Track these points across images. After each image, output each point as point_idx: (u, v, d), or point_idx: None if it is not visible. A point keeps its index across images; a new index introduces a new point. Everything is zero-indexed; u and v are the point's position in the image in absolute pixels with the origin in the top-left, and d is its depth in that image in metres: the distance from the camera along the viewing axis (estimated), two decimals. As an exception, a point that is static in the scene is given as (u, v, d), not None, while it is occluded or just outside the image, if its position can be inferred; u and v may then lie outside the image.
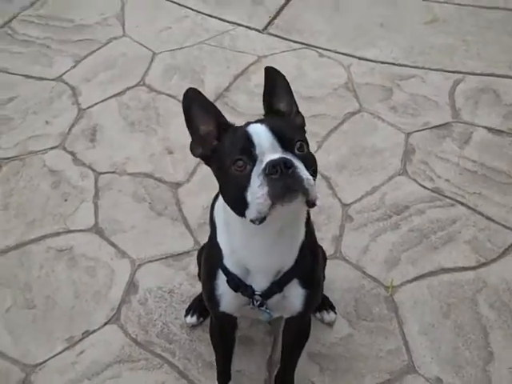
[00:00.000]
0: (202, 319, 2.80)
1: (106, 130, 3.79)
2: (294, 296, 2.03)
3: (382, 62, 4.25)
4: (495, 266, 3.01)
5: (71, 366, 2.71)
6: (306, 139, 1.81)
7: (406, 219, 3.23)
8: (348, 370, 2.67)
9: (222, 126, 1.81)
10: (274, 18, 4.67)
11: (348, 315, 2.85)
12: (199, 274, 2.69)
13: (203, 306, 2.45)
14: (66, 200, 3.37)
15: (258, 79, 4.08)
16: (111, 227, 3.24)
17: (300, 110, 1.92)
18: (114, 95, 4.03)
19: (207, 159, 1.85)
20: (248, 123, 1.75)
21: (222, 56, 4.33)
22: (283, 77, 1.86)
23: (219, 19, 4.69)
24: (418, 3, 4.78)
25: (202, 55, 4.34)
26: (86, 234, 3.21)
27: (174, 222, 3.25)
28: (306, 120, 1.92)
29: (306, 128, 1.91)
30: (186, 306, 2.85)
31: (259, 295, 1.99)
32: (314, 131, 3.59)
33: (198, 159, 1.88)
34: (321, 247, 2.53)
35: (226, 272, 1.99)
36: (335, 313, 2.82)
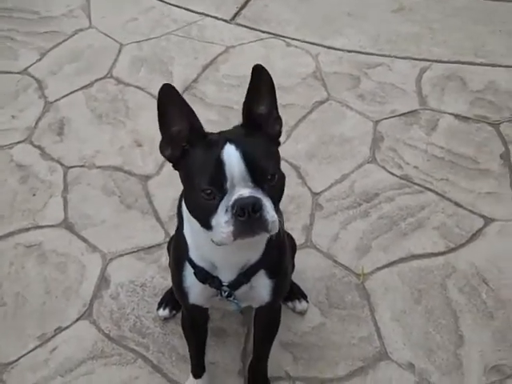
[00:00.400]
0: (174, 312, 2.79)
1: (73, 123, 3.75)
2: (262, 286, 2.05)
3: (350, 51, 4.26)
4: (464, 250, 3.05)
5: (44, 363, 2.69)
6: (278, 161, 1.83)
7: (375, 207, 3.25)
8: (321, 358, 2.68)
9: (195, 129, 1.77)
10: (242, 8, 4.66)
11: (320, 304, 2.87)
12: (170, 264, 2.68)
13: (175, 299, 2.44)
14: (34, 195, 3.34)
15: (227, 70, 4.08)
16: (81, 222, 3.21)
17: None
18: (82, 88, 3.99)
19: (175, 161, 1.82)
20: (223, 139, 1.70)
21: (190, 47, 4.30)
22: (270, 77, 1.79)
23: (186, 9, 4.66)
24: (385, -9, 4.80)
25: (170, 46, 4.31)
26: (55, 230, 3.18)
27: (145, 215, 3.24)
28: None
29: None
30: (159, 300, 2.85)
31: (227, 286, 2.00)
32: (282, 121, 3.57)
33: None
34: (289, 235, 2.55)
35: (193, 264, 1.99)
36: (307, 302, 2.83)
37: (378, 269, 2.99)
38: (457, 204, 3.25)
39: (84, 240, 3.13)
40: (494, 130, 3.63)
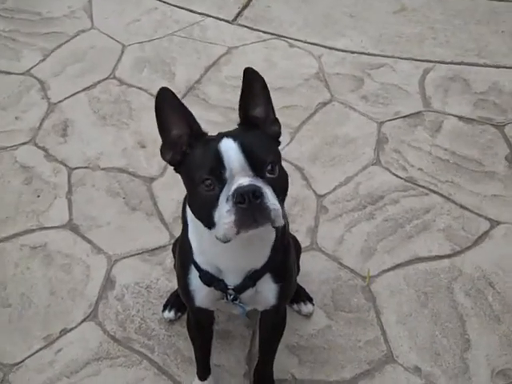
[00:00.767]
0: (179, 314, 2.79)
1: (77, 124, 3.74)
2: (267, 290, 2.04)
3: (352, 52, 4.26)
4: (470, 253, 3.05)
5: (49, 364, 2.68)
6: (278, 156, 1.80)
7: (380, 209, 3.25)
8: (327, 361, 2.68)
9: (195, 132, 1.77)
10: (244, 8, 4.65)
11: (325, 306, 2.86)
12: (175, 266, 2.68)
13: (181, 301, 2.44)
14: (38, 196, 3.33)
15: (229, 71, 4.07)
16: (86, 223, 3.21)
17: (274, 105, 1.86)
18: (84, 89, 3.98)
19: (177, 165, 1.81)
20: (221, 136, 1.72)
21: (192, 47, 4.30)
22: (262, 79, 1.78)
23: (188, 10, 4.65)
24: (387, -8, 4.80)
25: (172, 47, 4.30)
26: (60, 231, 3.18)
27: (149, 217, 3.24)
28: (277, 111, 1.87)
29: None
30: (164, 301, 2.84)
31: (232, 290, 1.99)
32: (286, 122, 3.57)
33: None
34: (294, 238, 2.55)
35: (198, 268, 1.99)
36: (313, 304, 2.83)
37: (384, 271, 2.99)
38: (462, 206, 3.24)
39: (89, 241, 3.13)
40: (498, 132, 3.63)
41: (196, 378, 2.53)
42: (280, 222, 1.68)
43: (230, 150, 1.66)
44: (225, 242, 1.69)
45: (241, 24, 4.53)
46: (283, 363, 2.64)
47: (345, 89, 3.97)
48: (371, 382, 2.62)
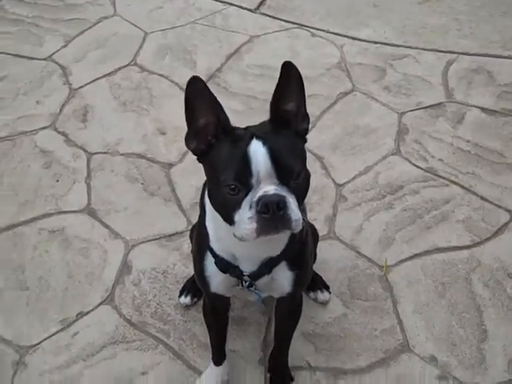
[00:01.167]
0: (195, 299, 2.79)
1: (97, 110, 3.76)
2: (283, 278, 2.04)
3: (375, 42, 4.24)
4: (489, 244, 3.02)
5: (66, 347, 2.70)
6: (305, 159, 1.78)
7: (399, 199, 3.22)
8: (343, 349, 2.67)
9: (222, 123, 1.75)
10: (266, -3, 4.64)
11: (342, 295, 2.85)
12: (192, 252, 2.68)
13: (197, 287, 2.44)
14: (57, 181, 3.35)
15: (251, 59, 4.06)
16: (104, 208, 3.22)
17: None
18: (106, 75, 3.99)
19: (200, 155, 1.80)
20: (249, 135, 1.69)
21: (214, 36, 4.29)
22: (299, 74, 1.76)
23: (211, -2, 4.65)
24: (411, -17, 4.75)
25: (194, 35, 4.30)
26: (78, 215, 3.19)
27: (167, 203, 3.24)
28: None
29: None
30: (180, 287, 2.85)
31: (248, 276, 1.99)
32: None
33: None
34: (312, 226, 2.54)
35: (214, 254, 1.99)
36: (329, 292, 2.82)
37: (402, 261, 2.97)
38: (482, 198, 3.21)
39: (106, 226, 3.14)
40: (521, 124, 3.59)
41: (211, 363, 2.53)
42: (299, 229, 1.69)
43: (258, 154, 1.64)
44: (242, 241, 1.70)
45: (263, 13, 4.52)
46: (299, 350, 2.63)
47: (367, 79, 3.95)
48: (387, 370, 2.60)
